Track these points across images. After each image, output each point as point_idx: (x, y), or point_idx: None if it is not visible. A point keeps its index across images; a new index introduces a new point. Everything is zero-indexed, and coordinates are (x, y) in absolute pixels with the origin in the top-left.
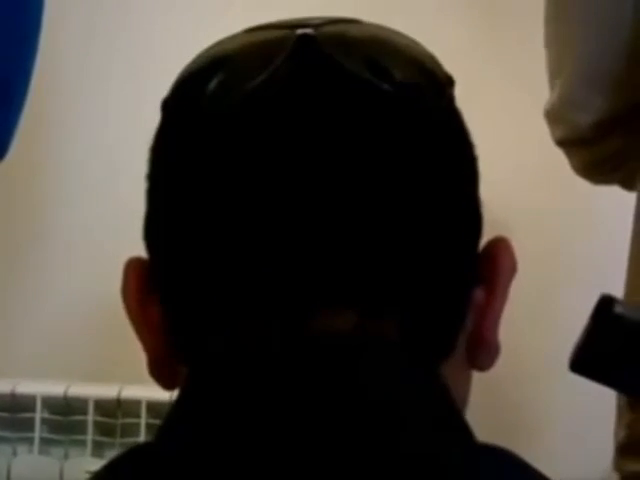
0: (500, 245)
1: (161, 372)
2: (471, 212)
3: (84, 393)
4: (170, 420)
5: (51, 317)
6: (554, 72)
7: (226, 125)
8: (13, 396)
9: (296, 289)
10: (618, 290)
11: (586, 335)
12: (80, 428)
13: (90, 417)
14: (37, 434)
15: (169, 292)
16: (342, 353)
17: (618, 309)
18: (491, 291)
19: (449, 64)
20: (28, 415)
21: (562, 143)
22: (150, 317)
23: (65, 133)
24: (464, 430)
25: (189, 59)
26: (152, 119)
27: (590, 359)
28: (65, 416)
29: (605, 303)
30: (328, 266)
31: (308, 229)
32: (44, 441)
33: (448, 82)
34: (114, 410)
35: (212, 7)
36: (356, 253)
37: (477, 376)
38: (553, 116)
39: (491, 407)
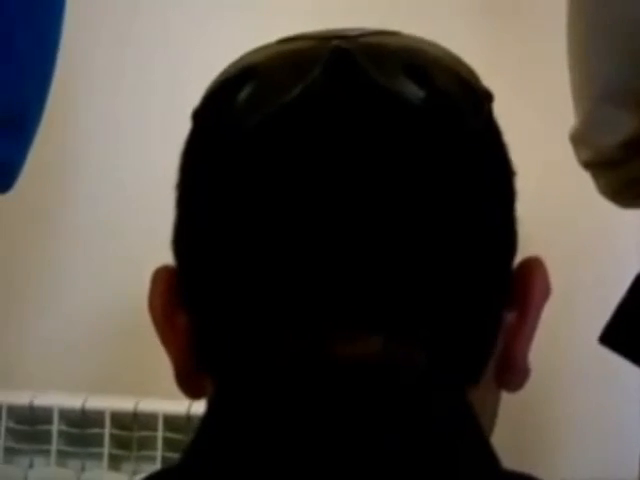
0: (533, 265)
1: (187, 383)
2: (506, 232)
3: (101, 406)
4: (198, 441)
5: (68, 330)
6: (578, 94)
7: (259, 138)
8: (31, 409)
9: (323, 309)
10: None
11: (620, 308)
12: (97, 441)
13: (107, 430)
14: (54, 446)
15: (196, 304)
16: (370, 380)
17: None
18: (523, 314)
19: None
20: (45, 427)
21: (588, 166)
22: (177, 327)
23: (73, 146)
24: (493, 459)
25: (199, 72)
26: (162, 128)
27: (621, 332)
28: (82, 429)
29: None
30: (355, 287)
31: (337, 248)
32: (61, 453)
33: (487, 97)
34: (131, 423)
35: (224, 18)
36: (384, 275)
37: None
38: (578, 139)
39: (507, 411)
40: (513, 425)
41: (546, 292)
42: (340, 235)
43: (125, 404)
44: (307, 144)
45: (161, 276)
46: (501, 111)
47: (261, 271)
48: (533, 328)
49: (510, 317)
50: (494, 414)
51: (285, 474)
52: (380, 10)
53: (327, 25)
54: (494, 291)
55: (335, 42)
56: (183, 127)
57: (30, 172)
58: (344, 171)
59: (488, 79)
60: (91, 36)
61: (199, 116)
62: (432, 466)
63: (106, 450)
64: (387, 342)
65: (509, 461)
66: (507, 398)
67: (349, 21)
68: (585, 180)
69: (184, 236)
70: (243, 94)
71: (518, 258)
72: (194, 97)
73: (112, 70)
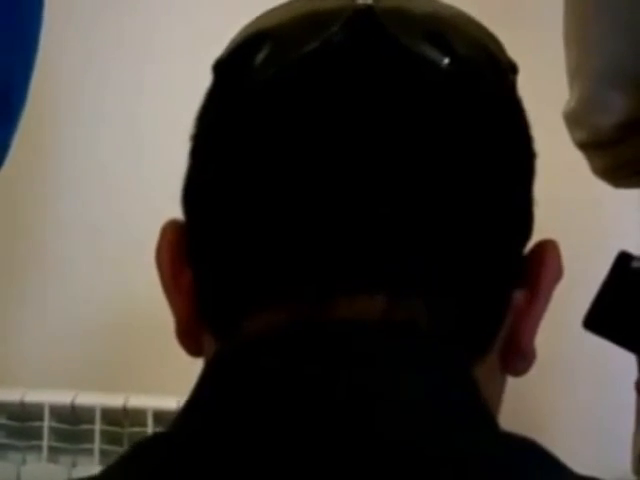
0: (547, 247)
1: (188, 339)
2: (520, 208)
3: (91, 402)
4: (194, 399)
5: (58, 327)
6: (573, 73)
7: (272, 92)
8: (22, 405)
9: (326, 269)
10: None
11: (601, 290)
12: (87, 437)
13: (97, 426)
14: (45, 442)
15: (202, 259)
16: (369, 342)
17: (636, 264)
18: (533, 295)
19: None
20: (36, 424)
21: (582, 146)
22: (182, 281)
23: (64, 140)
24: (492, 421)
25: (190, 66)
26: (149, 127)
27: (604, 315)
28: (73, 425)
29: (623, 259)
30: (359, 244)
31: (346, 207)
32: (52, 449)
33: (511, 68)
34: (121, 419)
35: (215, 16)
36: (390, 235)
37: None
38: (572, 118)
39: (507, 409)
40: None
41: (558, 274)
42: (350, 193)
43: (115, 400)
44: (323, 96)
45: (170, 229)
46: None
47: (266, 229)
48: (542, 310)
49: (520, 296)
50: (499, 399)
51: (281, 437)
52: None
53: None
54: (503, 264)
55: (359, 1)
56: (174, 124)
57: (20, 167)
58: (358, 125)
59: None
60: (75, 29)
61: (219, 69)
62: (429, 432)
63: (97, 446)
64: (389, 303)
65: None
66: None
67: None
68: (585, 179)
69: (194, 186)
70: (263, 50)
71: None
72: (185, 92)
73: (99, 63)
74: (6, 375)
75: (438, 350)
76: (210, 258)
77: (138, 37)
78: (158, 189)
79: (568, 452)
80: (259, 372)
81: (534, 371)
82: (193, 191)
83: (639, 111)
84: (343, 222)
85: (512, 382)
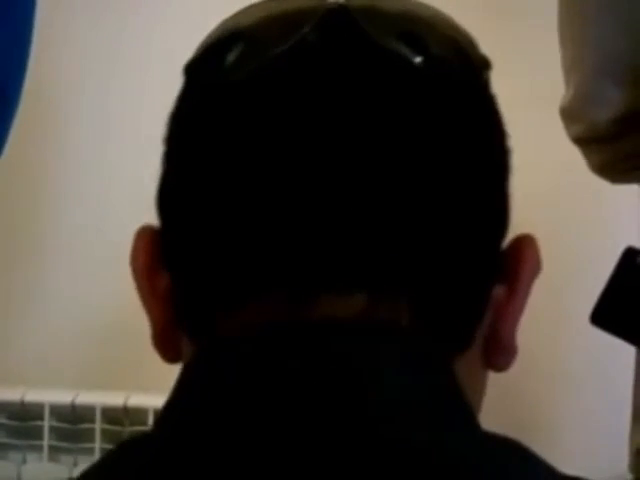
0: (524, 243)
1: (165, 344)
2: (497, 204)
3: (91, 401)
4: (173, 400)
5: (58, 326)
6: (570, 67)
7: (245, 92)
8: (22, 404)
9: (304, 267)
10: None
11: (608, 286)
12: (88, 436)
13: (98, 425)
14: (46, 442)
15: (178, 262)
16: (347, 340)
17: None
18: (512, 289)
19: None
20: (37, 423)
21: (579, 141)
22: (157, 286)
23: (66, 135)
24: (472, 421)
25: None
26: (152, 128)
27: (611, 310)
28: (73, 424)
29: (629, 254)
30: (338, 243)
31: (322, 205)
32: (53, 449)
33: (484, 65)
34: (121, 418)
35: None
36: (369, 231)
37: (494, 377)
38: (569, 113)
39: (507, 408)
40: (505, 425)
41: (536, 269)
42: (325, 191)
43: (115, 399)
44: (296, 96)
45: (144, 235)
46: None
47: (241, 228)
48: (522, 304)
49: (499, 291)
50: (481, 394)
51: (259, 436)
52: None
53: None
54: (481, 259)
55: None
56: None
57: (19, 167)
58: (331, 124)
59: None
60: (78, 32)
61: (190, 71)
62: (410, 429)
63: (97, 445)
64: (370, 301)
65: None
66: (500, 397)
67: None
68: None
69: (168, 190)
70: (234, 50)
71: None
72: None
73: (103, 64)
74: (6, 374)
75: (418, 348)
76: (186, 260)
77: (139, 38)
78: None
79: (568, 451)
80: (234, 372)
81: (535, 368)
82: (167, 194)
83: (636, 105)
84: (321, 221)
85: (518, 383)
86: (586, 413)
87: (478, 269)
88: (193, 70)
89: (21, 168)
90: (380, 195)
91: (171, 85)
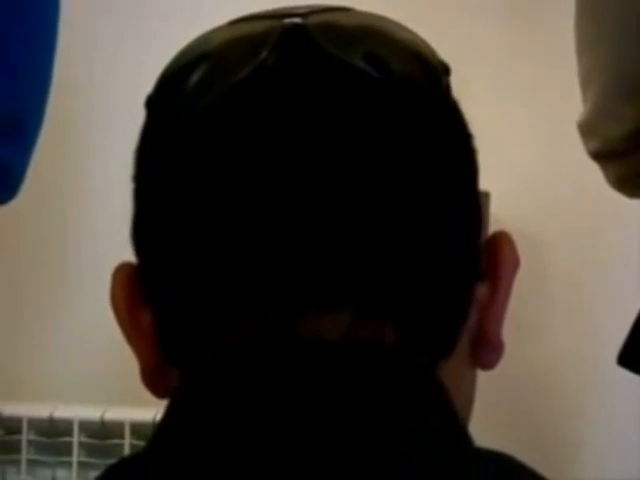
0: (501, 239)
1: (153, 380)
2: (469, 206)
3: (120, 417)
4: (161, 428)
5: (87, 343)
6: (586, 82)
7: (208, 121)
8: (51, 421)
9: (285, 289)
10: None
11: (632, 329)
12: (117, 451)
13: (127, 440)
14: (75, 458)
15: (158, 296)
16: (332, 360)
17: None
18: (494, 287)
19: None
20: (66, 439)
21: (596, 156)
22: (141, 323)
23: (89, 162)
24: (462, 436)
25: None
26: None
27: (635, 353)
28: (102, 440)
29: None
30: (319, 264)
31: (298, 226)
32: (82, 465)
33: (444, 71)
34: (149, 433)
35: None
36: (348, 249)
37: (523, 392)
38: (586, 128)
39: (535, 423)
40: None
41: (515, 265)
42: (302, 212)
43: (144, 415)
44: (260, 123)
45: (122, 272)
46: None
47: (221, 254)
48: (505, 301)
49: (481, 291)
50: (471, 393)
51: (247, 461)
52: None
53: None
54: (461, 263)
55: (287, 20)
56: None
57: (51, 184)
58: (302, 147)
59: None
60: (104, 47)
61: (151, 103)
62: (396, 447)
63: None
64: (354, 318)
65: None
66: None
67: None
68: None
69: (141, 227)
70: (194, 78)
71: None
72: None
73: (131, 85)
74: (36, 391)
75: (403, 365)
76: (167, 292)
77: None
78: None
79: (597, 461)
80: (218, 394)
81: (562, 382)
82: (141, 230)
83: None
84: (298, 243)
85: (543, 393)
86: (614, 425)
87: (459, 274)
88: (154, 101)
89: (48, 193)
90: (355, 213)
91: None
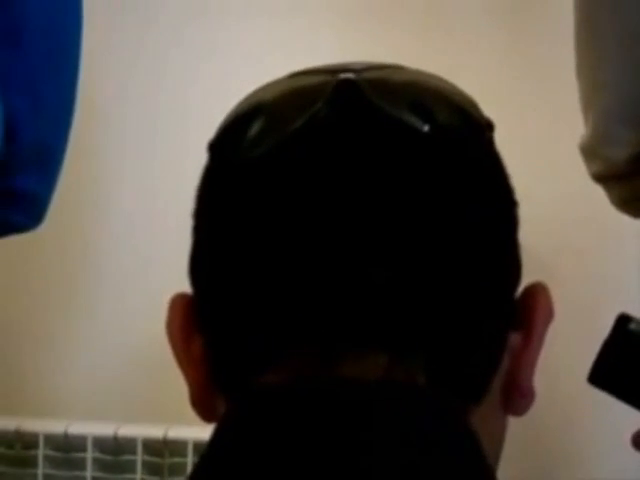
0: (537, 290)
1: (202, 405)
2: (509, 257)
3: (133, 433)
4: (207, 455)
5: (101, 360)
6: (586, 106)
7: (265, 169)
8: (66, 437)
9: (328, 330)
10: None
11: (602, 350)
12: (129, 467)
13: (139, 457)
14: (89, 473)
15: (211, 328)
16: (371, 401)
17: (633, 326)
18: (527, 336)
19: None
20: (80, 455)
21: (598, 178)
22: (193, 352)
23: (113, 167)
24: (489, 478)
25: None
26: (197, 166)
27: (605, 373)
28: (115, 456)
29: (622, 320)
30: (360, 311)
31: (342, 275)
32: (95, 479)
33: (488, 126)
34: (161, 449)
35: (255, 50)
36: (388, 299)
37: None
38: (587, 151)
39: (535, 436)
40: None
41: (549, 316)
42: (348, 259)
43: (156, 431)
44: (311, 172)
45: (178, 302)
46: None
47: (271, 296)
48: (537, 350)
49: (515, 339)
50: (501, 438)
51: None
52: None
53: (344, 26)
54: (497, 313)
55: (341, 75)
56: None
57: (67, 196)
58: (348, 196)
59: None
60: (122, 70)
61: (214, 148)
62: None
63: (138, 476)
64: (390, 361)
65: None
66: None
67: (376, 20)
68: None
69: (200, 262)
70: (253, 128)
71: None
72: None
73: (146, 101)
74: (51, 407)
75: (436, 407)
76: (219, 325)
77: (181, 66)
78: None
79: (600, 472)
80: (268, 428)
81: (561, 392)
82: (199, 265)
83: None
84: (344, 288)
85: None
86: (617, 433)
87: (494, 322)
88: (216, 146)
89: (70, 204)
90: (398, 262)
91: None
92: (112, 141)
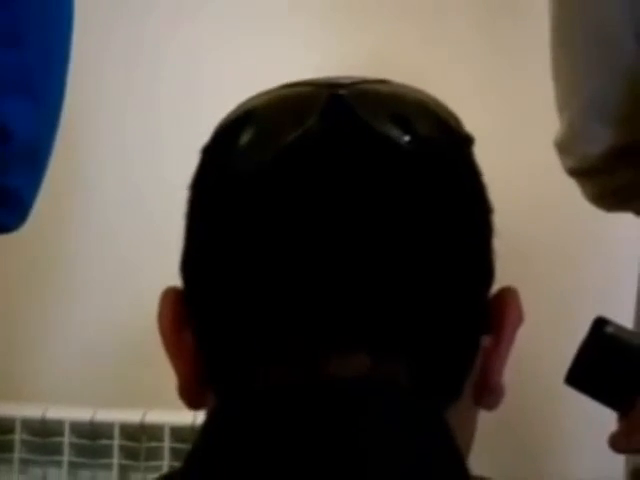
0: (507, 295)
1: (190, 395)
2: (483, 264)
3: (110, 418)
4: (197, 450)
5: (78, 345)
6: (561, 104)
7: (257, 181)
8: (43, 421)
9: (315, 332)
10: None
11: (579, 351)
12: (106, 452)
13: (116, 441)
14: (66, 458)
15: (202, 323)
16: (356, 397)
17: (609, 329)
18: (498, 338)
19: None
20: (57, 439)
21: (573, 173)
22: (183, 344)
23: (91, 163)
24: (463, 471)
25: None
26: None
27: (581, 374)
28: (92, 440)
29: (598, 324)
30: (347, 311)
31: (327, 279)
32: (72, 464)
33: (468, 140)
34: (138, 434)
35: (252, 51)
36: (372, 301)
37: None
38: (562, 147)
39: (513, 429)
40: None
41: (519, 320)
42: (333, 266)
43: (133, 416)
44: (303, 185)
45: (169, 296)
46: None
47: (259, 296)
48: (507, 351)
49: (486, 341)
50: (473, 429)
51: None
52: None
53: (334, 38)
54: (471, 316)
55: (331, 89)
56: (194, 141)
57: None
58: (336, 207)
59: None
60: (100, 57)
61: (206, 153)
62: (403, 477)
63: (115, 461)
64: (373, 360)
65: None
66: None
67: (359, 22)
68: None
69: (190, 261)
70: (245, 136)
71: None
72: (207, 115)
73: (122, 90)
74: (28, 392)
75: (415, 406)
76: (210, 323)
77: (181, 70)
78: (182, 209)
79: (577, 463)
80: (262, 424)
81: (538, 384)
82: (189, 263)
83: (623, 143)
84: (329, 292)
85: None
86: (593, 427)
87: (468, 325)
88: (208, 151)
89: (50, 193)
90: (381, 268)
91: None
92: (92, 137)
